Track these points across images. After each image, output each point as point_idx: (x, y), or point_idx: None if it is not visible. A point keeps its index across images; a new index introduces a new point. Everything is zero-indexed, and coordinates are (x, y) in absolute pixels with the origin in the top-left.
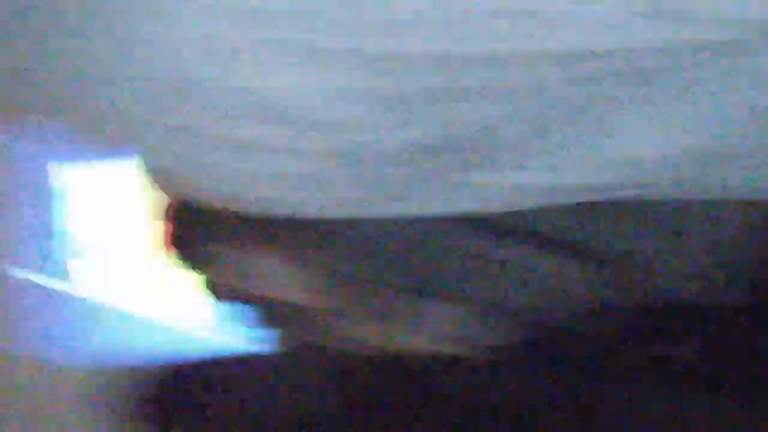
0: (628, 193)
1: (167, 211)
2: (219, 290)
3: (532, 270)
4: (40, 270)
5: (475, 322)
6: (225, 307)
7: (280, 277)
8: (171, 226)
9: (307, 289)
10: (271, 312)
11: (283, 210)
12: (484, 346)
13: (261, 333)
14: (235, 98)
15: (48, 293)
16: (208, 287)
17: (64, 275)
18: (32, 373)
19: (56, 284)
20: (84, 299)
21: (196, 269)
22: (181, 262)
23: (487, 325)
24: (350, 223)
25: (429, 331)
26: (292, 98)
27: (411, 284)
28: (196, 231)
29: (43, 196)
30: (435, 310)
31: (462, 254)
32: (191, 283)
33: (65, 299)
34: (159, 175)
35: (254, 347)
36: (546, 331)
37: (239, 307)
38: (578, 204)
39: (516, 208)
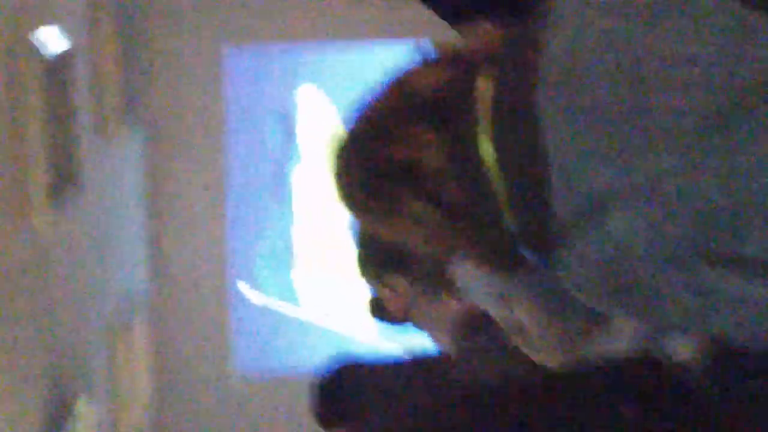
0: None
1: (357, 236)
2: (383, 309)
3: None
4: (270, 291)
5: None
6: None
7: (479, 290)
8: (358, 249)
9: (506, 307)
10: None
11: None
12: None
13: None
14: None
15: (276, 314)
16: (372, 307)
17: (291, 296)
18: (250, 389)
19: (283, 306)
20: (305, 319)
21: (373, 284)
22: (363, 278)
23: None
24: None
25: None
26: None
27: (616, 307)
28: (381, 258)
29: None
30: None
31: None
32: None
33: (290, 319)
34: None
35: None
36: (732, 352)
37: (401, 326)
38: None
39: None
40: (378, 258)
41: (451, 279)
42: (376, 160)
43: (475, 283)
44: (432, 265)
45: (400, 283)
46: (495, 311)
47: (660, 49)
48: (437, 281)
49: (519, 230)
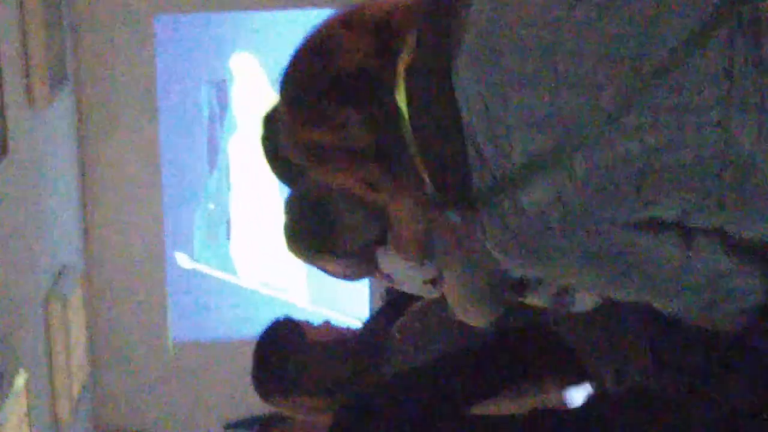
0: None
1: (288, 203)
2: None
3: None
4: (206, 258)
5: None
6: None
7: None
8: (290, 218)
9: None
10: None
11: None
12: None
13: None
14: None
15: (212, 282)
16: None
17: (226, 264)
18: (193, 354)
19: (219, 273)
20: (243, 286)
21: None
22: (295, 251)
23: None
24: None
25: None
26: None
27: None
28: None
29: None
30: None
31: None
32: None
33: (226, 286)
34: None
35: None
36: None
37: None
38: None
39: None
40: (309, 238)
41: (378, 262)
42: (300, 140)
43: (399, 267)
44: (360, 248)
45: (331, 263)
46: (421, 291)
47: (576, 24)
48: (367, 264)
49: (439, 195)
